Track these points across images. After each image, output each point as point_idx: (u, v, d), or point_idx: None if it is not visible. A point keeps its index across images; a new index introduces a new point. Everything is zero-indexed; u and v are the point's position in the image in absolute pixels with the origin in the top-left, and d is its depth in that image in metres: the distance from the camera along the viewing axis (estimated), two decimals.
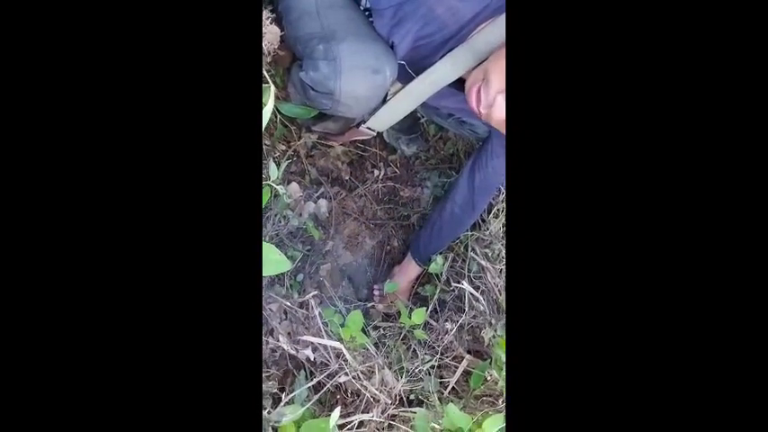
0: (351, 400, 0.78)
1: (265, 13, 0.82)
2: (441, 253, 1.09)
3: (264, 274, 0.60)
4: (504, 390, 0.71)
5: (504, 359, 0.72)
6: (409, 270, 1.09)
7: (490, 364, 0.77)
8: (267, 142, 0.91)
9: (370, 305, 1.09)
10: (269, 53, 0.84)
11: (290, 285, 0.90)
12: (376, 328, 0.99)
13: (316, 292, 0.84)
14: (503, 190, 1.06)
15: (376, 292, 1.12)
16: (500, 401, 0.72)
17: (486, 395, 0.77)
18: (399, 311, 0.98)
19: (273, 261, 0.58)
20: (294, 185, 0.94)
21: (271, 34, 0.83)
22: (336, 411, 0.60)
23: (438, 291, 1.05)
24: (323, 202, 1.04)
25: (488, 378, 0.76)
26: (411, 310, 0.92)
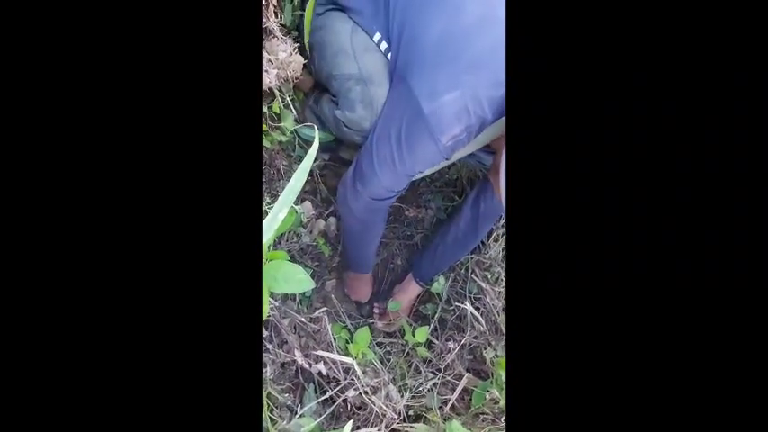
0: (353, 412, 0.82)
1: (290, 43, 0.87)
2: (442, 273, 1.14)
3: (288, 291, 0.64)
4: (505, 408, 0.76)
5: (504, 378, 0.77)
6: (410, 289, 1.13)
7: (491, 383, 0.82)
8: (285, 163, 0.95)
9: (371, 321, 1.13)
10: (292, 80, 0.89)
11: (300, 300, 0.94)
12: (379, 344, 1.03)
13: (325, 308, 0.88)
14: (503, 216, 1.12)
15: (376, 310, 1.16)
16: (501, 419, 0.76)
17: (486, 413, 0.82)
18: (402, 329, 1.02)
19: (298, 280, 0.62)
20: (308, 204, 0.98)
21: (296, 63, 0.88)
22: (349, 424, 0.63)
23: (439, 309, 1.09)
24: (333, 220, 1.08)
25: (488, 397, 0.80)
26: (414, 328, 0.97)
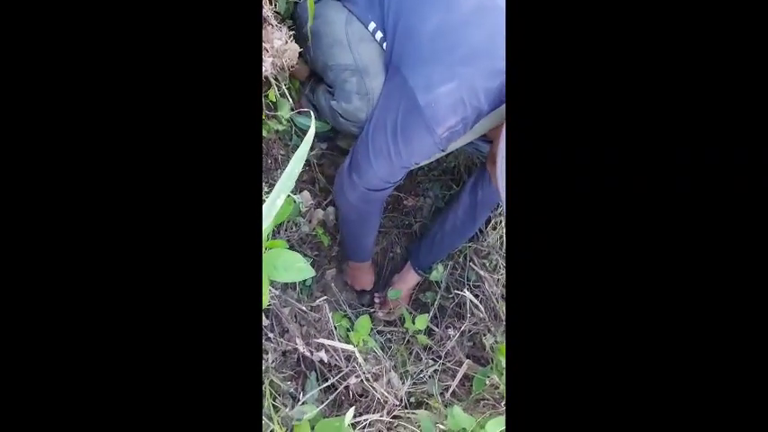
0: (354, 399, 0.82)
1: (285, 31, 0.86)
2: (441, 261, 1.14)
3: (288, 280, 0.64)
4: (505, 392, 0.76)
5: (504, 364, 0.77)
6: (408, 278, 1.14)
7: (491, 369, 0.82)
8: (282, 152, 0.94)
9: (372, 310, 1.14)
10: (288, 69, 0.88)
11: (301, 290, 0.94)
12: (380, 332, 1.03)
13: (326, 297, 0.88)
14: (500, 204, 1.12)
15: (377, 300, 1.17)
16: (502, 404, 0.76)
17: (486, 399, 0.82)
18: (403, 317, 1.03)
19: (298, 269, 0.62)
20: (306, 194, 0.97)
21: (291, 51, 0.88)
22: (351, 411, 0.64)
23: (438, 297, 1.10)
24: (331, 210, 1.08)
25: (488, 382, 0.81)
26: (414, 316, 0.97)
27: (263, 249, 0.63)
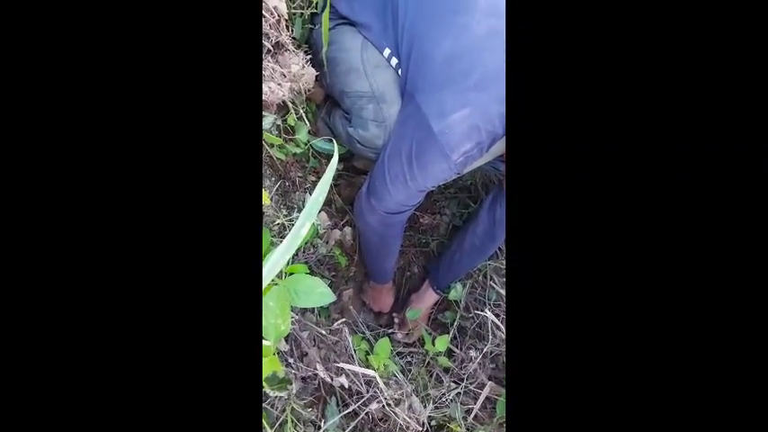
0: (374, 425, 0.81)
1: (302, 56, 0.87)
2: (459, 280, 1.12)
3: (309, 305, 0.63)
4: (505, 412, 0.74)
5: None
6: (426, 297, 1.12)
7: None
8: (300, 174, 0.95)
9: (390, 331, 1.12)
10: (305, 93, 0.89)
11: (319, 312, 0.94)
12: (400, 354, 1.02)
13: (344, 319, 0.87)
14: None
15: (396, 320, 1.15)
16: None
17: None
18: (423, 339, 1.01)
19: (319, 294, 0.62)
20: (323, 215, 0.98)
21: (308, 75, 0.89)
22: None
23: (458, 317, 1.08)
24: (348, 230, 1.08)
25: None
26: (434, 337, 0.95)
27: (284, 275, 0.63)
